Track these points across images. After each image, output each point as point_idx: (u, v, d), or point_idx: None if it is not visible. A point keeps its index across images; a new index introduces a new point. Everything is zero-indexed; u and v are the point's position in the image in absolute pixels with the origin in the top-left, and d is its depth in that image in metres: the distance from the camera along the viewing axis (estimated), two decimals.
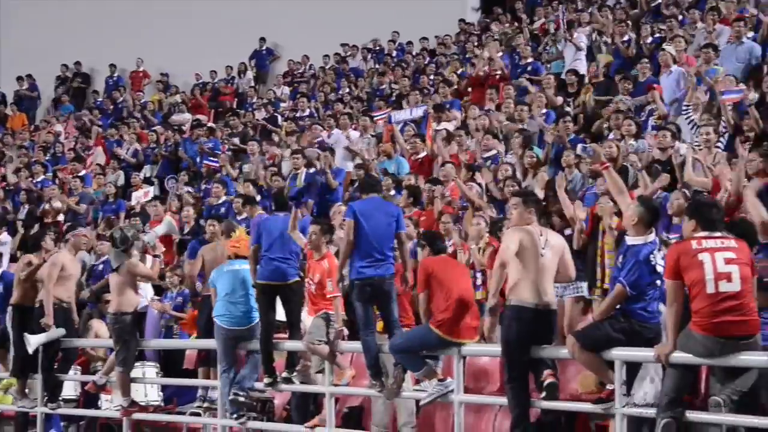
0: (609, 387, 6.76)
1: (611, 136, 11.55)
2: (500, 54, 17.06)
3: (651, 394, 6.55)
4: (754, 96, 11.04)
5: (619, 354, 6.63)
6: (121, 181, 17.58)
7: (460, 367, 7.82)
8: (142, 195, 15.56)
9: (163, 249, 12.75)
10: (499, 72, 16.25)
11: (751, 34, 13.06)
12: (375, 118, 15.88)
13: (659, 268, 6.61)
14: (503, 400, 7.47)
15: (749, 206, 7.17)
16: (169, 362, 11.25)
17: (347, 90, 20.68)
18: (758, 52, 12.57)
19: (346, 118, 15.98)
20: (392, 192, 11.70)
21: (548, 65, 16.35)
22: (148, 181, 17.38)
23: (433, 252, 8.14)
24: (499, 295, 7.31)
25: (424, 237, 8.62)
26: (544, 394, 7.08)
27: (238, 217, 12.11)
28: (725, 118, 10.48)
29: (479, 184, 11.33)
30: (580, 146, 9.34)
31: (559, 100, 13.84)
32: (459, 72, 18.17)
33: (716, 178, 8.89)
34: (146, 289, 11.72)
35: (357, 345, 8.37)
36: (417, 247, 9.00)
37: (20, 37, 26.56)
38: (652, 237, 6.70)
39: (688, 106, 11.48)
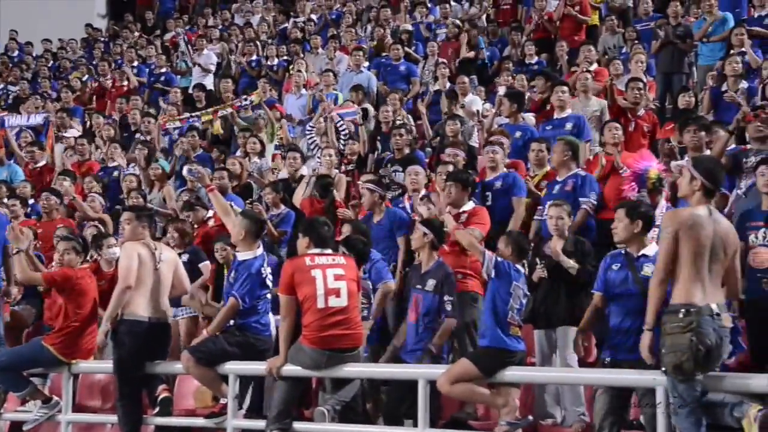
0: (222, 401, 6.81)
1: (238, 153, 11.77)
2: (135, 63, 16.81)
3: None
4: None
5: (233, 368, 6.70)
6: None
7: (70, 385, 7.46)
8: None
9: None
10: (125, 83, 15.93)
11: (366, 63, 13.96)
12: None
13: (269, 282, 6.82)
14: (114, 418, 7.23)
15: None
16: None
17: None
18: (374, 82, 13.48)
19: None
20: (5, 200, 10.93)
21: (179, 78, 16.30)
22: None
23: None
24: None
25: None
26: (157, 409, 6.99)
27: None
28: (331, 140, 11.08)
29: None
30: (186, 168, 9.35)
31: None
32: (84, 79, 17.51)
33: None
34: None
35: None
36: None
37: None
38: (260, 251, 6.88)
39: (312, 128, 11.97)
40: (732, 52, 10.64)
